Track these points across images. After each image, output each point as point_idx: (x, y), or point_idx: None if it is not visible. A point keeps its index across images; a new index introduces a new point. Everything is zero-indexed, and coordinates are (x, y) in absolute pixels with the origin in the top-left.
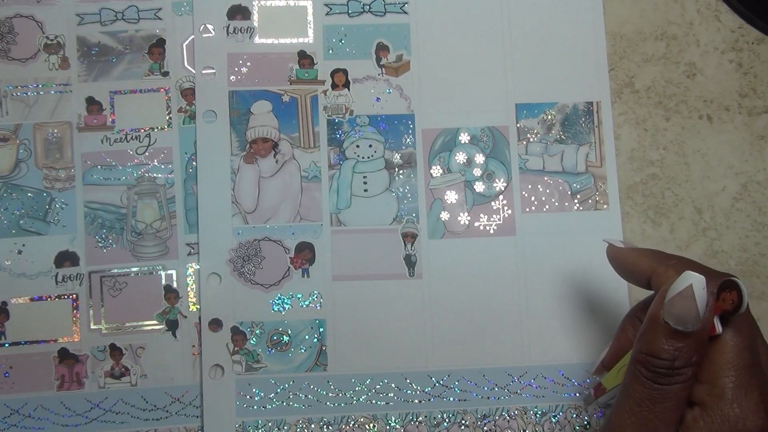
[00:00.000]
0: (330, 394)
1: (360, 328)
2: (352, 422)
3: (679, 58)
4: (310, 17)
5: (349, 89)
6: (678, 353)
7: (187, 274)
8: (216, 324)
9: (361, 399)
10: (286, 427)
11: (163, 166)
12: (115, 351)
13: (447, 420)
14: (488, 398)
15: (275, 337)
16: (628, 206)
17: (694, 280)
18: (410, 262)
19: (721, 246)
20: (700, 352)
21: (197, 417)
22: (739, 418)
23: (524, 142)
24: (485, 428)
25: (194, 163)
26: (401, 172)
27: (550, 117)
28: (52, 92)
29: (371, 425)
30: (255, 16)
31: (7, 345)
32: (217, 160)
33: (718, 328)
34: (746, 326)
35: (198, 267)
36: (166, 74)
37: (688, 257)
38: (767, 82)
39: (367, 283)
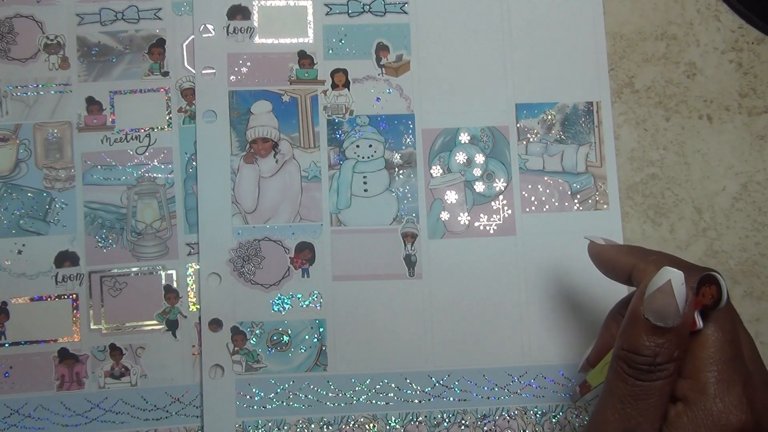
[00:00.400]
0: (330, 394)
1: (360, 328)
2: (352, 422)
3: (679, 58)
4: (310, 17)
5: (349, 89)
6: (659, 349)
7: (187, 274)
8: (216, 324)
9: (361, 399)
10: (286, 427)
11: (163, 166)
12: (115, 351)
13: (447, 420)
14: (488, 398)
15: (275, 337)
16: (628, 206)
17: (673, 276)
18: (410, 262)
19: (721, 246)
20: (681, 348)
21: (197, 417)
22: (722, 412)
23: (524, 142)
24: (485, 428)
25: (194, 163)
26: (401, 172)
27: (550, 117)
28: (52, 92)
29: (371, 425)
30: (255, 16)
31: (7, 345)
32: (217, 160)
33: (699, 323)
34: (727, 320)
35: (198, 267)
36: (166, 74)
37: (687, 257)
38: (767, 82)
39: (367, 283)
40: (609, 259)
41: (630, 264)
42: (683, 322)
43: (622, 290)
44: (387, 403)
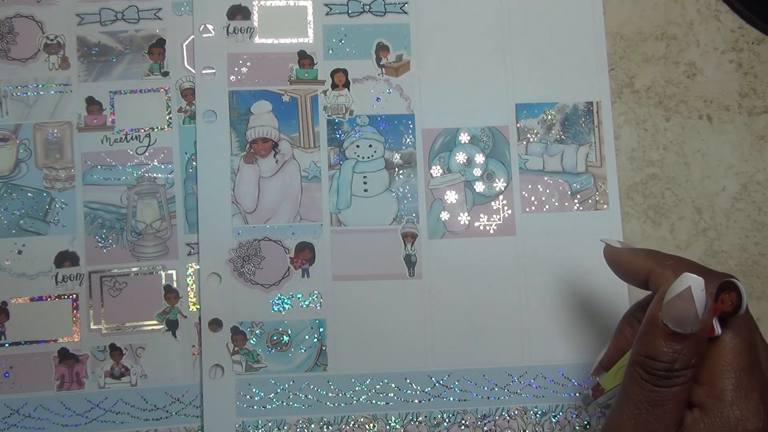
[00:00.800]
0: (330, 394)
1: (360, 328)
2: (352, 422)
3: (679, 58)
4: (310, 17)
5: (349, 89)
6: (677, 355)
7: (187, 274)
8: (216, 324)
9: (361, 399)
10: (286, 427)
11: (163, 166)
12: (115, 351)
13: (447, 420)
14: (488, 398)
15: (275, 337)
16: (628, 206)
17: (693, 282)
18: (410, 262)
19: (721, 246)
20: (699, 354)
21: (197, 417)
22: (739, 419)
23: (524, 142)
24: (485, 428)
25: (194, 163)
26: (401, 172)
27: (550, 117)
28: (52, 92)
29: (371, 425)
30: (255, 16)
31: (7, 345)
32: (217, 160)
33: (718, 329)
34: (745, 327)
35: (198, 267)
36: (166, 74)
37: (687, 257)
38: (767, 82)
39: (367, 283)
40: (625, 262)
41: (647, 268)
42: (702, 329)
43: (622, 290)
44: (387, 403)
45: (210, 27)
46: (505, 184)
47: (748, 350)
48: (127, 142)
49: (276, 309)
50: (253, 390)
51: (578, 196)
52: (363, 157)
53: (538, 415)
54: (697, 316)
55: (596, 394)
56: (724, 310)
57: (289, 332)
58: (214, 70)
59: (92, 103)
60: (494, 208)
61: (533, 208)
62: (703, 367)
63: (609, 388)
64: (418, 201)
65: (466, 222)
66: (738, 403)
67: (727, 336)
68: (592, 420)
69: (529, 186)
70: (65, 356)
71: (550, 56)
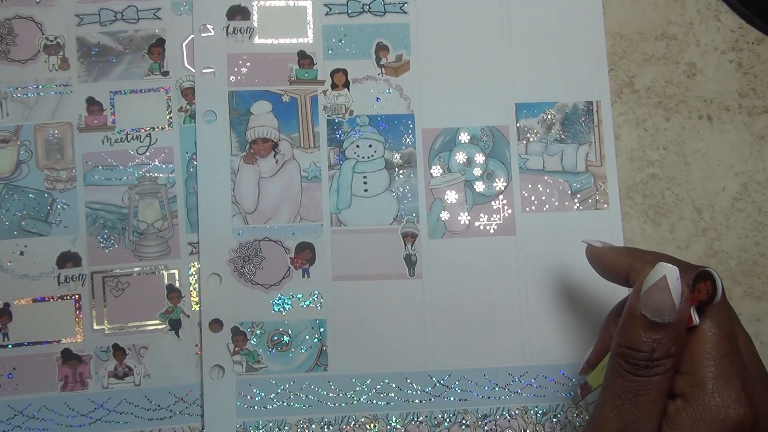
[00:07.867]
0: (330, 395)
1: (360, 328)
2: (353, 422)
3: (679, 58)
4: (309, 17)
5: (348, 89)
6: (656, 345)
7: (189, 273)
8: (216, 324)
9: (361, 399)
10: (286, 428)
11: (164, 166)
12: (118, 351)
13: (448, 420)
14: (489, 398)
15: (276, 338)
16: (628, 206)
17: (668, 271)
18: (410, 262)
19: (721, 246)
20: (678, 343)
21: (201, 416)
22: (720, 407)
23: (524, 142)
24: (486, 428)
25: (195, 163)
26: (401, 172)
27: (550, 117)
28: (53, 93)
29: (372, 425)
30: (255, 17)
31: (10, 346)
32: (217, 160)
33: (695, 318)
34: (724, 316)
35: (199, 267)
36: (166, 74)
37: (687, 257)
38: (767, 82)
39: (367, 283)
40: (606, 261)
41: (627, 265)
42: (679, 318)
43: (622, 289)
44: (388, 403)
45: (209, 27)
46: (505, 184)
47: (727, 338)
48: (128, 142)
49: (276, 309)
50: (254, 390)
51: (578, 196)
52: (363, 157)
53: (538, 415)
54: (674, 305)
55: (585, 392)
56: (700, 299)
57: (290, 332)
58: (213, 70)
59: (92, 104)
60: (494, 207)
61: (533, 207)
62: (683, 357)
63: (596, 386)
64: (418, 201)
65: (467, 222)
66: (719, 390)
67: (706, 325)
68: None
69: (529, 186)
70: (68, 357)
71: (550, 56)
